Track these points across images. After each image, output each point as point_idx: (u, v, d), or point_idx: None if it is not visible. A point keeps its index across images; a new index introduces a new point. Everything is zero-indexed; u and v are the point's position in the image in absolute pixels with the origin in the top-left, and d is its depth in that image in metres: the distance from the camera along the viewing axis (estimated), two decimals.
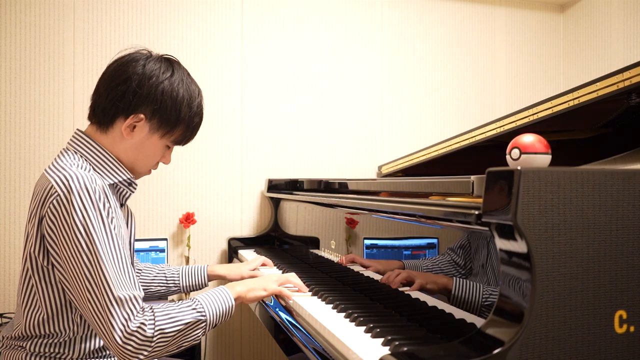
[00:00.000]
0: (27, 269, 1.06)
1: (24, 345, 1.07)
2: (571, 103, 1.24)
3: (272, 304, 1.34)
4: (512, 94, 2.83)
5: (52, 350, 1.06)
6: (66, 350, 1.07)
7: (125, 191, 1.16)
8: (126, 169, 1.15)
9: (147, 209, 2.29)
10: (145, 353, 0.98)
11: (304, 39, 2.52)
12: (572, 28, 2.86)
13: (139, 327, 0.97)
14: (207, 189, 2.37)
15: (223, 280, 1.51)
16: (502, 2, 2.83)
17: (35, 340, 1.06)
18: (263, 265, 1.65)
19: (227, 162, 2.40)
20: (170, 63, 1.14)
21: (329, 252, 1.57)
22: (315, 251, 1.71)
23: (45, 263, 1.04)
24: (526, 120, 1.39)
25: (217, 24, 2.40)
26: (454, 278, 0.94)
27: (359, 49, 2.60)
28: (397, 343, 0.87)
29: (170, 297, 1.82)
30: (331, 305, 1.17)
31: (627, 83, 1.09)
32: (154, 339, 0.98)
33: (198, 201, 2.36)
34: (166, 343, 1.00)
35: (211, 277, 1.49)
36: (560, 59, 2.92)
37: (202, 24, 2.38)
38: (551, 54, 2.91)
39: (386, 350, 0.86)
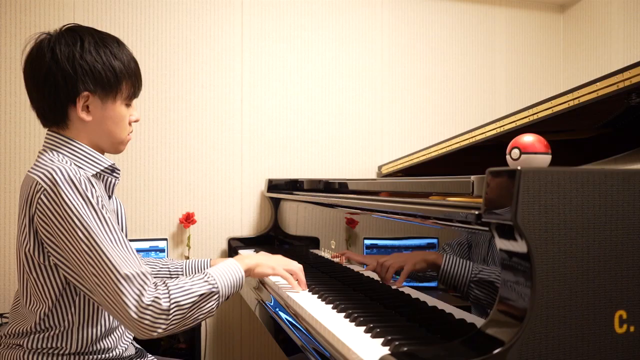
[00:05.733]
0: (25, 270, 1.07)
1: (21, 342, 1.08)
2: (571, 103, 1.24)
3: (272, 303, 1.34)
4: (512, 94, 2.83)
5: (50, 344, 1.07)
6: (63, 344, 1.08)
7: (110, 179, 1.17)
8: (104, 157, 1.15)
9: (147, 209, 2.29)
10: (163, 327, 0.98)
11: (303, 39, 2.52)
12: (572, 28, 2.86)
13: (153, 300, 0.97)
14: (207, 189, 2.37)
15: None
16: (502, 2, 2.83)
17: (36, 335, 1.07)
18: None
19: (227, 162, 2.40)
20: (73, 32, 1.10)
21: (329, 252, 1.57)
22: (315, 251, 1.71)
23: (42, 260, 1.04)
24: (526, 120, 1.39)
25: (217, 24, 2.40)
26: (445, 254, 0.94)
27: (359, 48, 2.60)
28: (397, 343, 0.87)
29: None
30: (331, 305, 1.17)
31: (627, 83, 1.09)
32: (171, 311, 0.99)
33: (198, 201, 2.35)
34: (182, 315, 1.01)
35: None
36: (560, 59, 2.92)
37: (202, 24, 2.38)
38: (551, 54, 2.91)
39: (386, 350, 0.86)
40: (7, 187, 2.15)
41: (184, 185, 2.34)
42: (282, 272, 1.29)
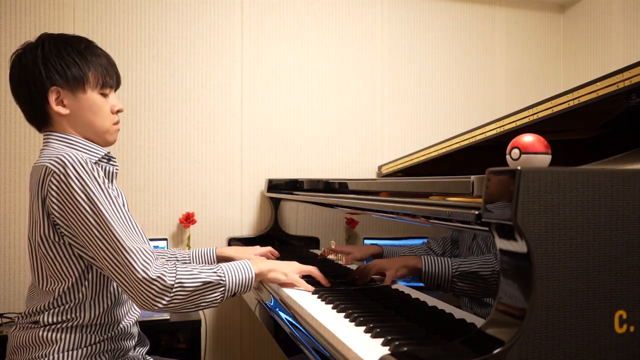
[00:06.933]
0: (40, 255, 1.13)
1: (37, 319, 1.13)
2: (571, 103, 1.24)
3: (272, 303, 1.34)
4: (512, 94, 2.83)
5: (64, 317, 1.13)
6: (77, 315, 1.13)
7: (109, 168, 1.22)
8: (98, 147, 1.22)
9: (147, 209, 2.29)
10: (164, 302, 1.04)
11: (303, 39, 2.52)
12: (572, 28, 2.86)
13: (159, 276, 1.04)
14: (207, 189, 2.37)
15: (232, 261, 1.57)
16: (502, 2, 2.83)
17: (52, 310, 1.12)
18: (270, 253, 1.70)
19: (227, 162, 2.40)
20: (36, 40, 1.20)
21: (329, 253, 1.57)
22: (315, 251, 1.71)
23: (56, 239, 1.10)
24: (526, 120, 1.39)
25: (217, 23, 2.40)
26: (422, 257, 0.94)
27: (359, 48, 2.60)
28: (397, 343, 0.87)
29: None
30: (331, 305, 1.17)
31: (627, 83, 1.09)
32: (173, 289, 1.05)
33: (198, 201, 2.35)
34: (184, 297, 1.07)
35: (220, 259, 1.58)
36: (560, 59, 2.92)
37: (202, 24, 2.38)
38: (551, 54, 2.91)
39: (386, 350, 0.86)
40: (8, 187, 2.15)
41: (184, 185, 2.34)
42: (296, 277, 1.31)
